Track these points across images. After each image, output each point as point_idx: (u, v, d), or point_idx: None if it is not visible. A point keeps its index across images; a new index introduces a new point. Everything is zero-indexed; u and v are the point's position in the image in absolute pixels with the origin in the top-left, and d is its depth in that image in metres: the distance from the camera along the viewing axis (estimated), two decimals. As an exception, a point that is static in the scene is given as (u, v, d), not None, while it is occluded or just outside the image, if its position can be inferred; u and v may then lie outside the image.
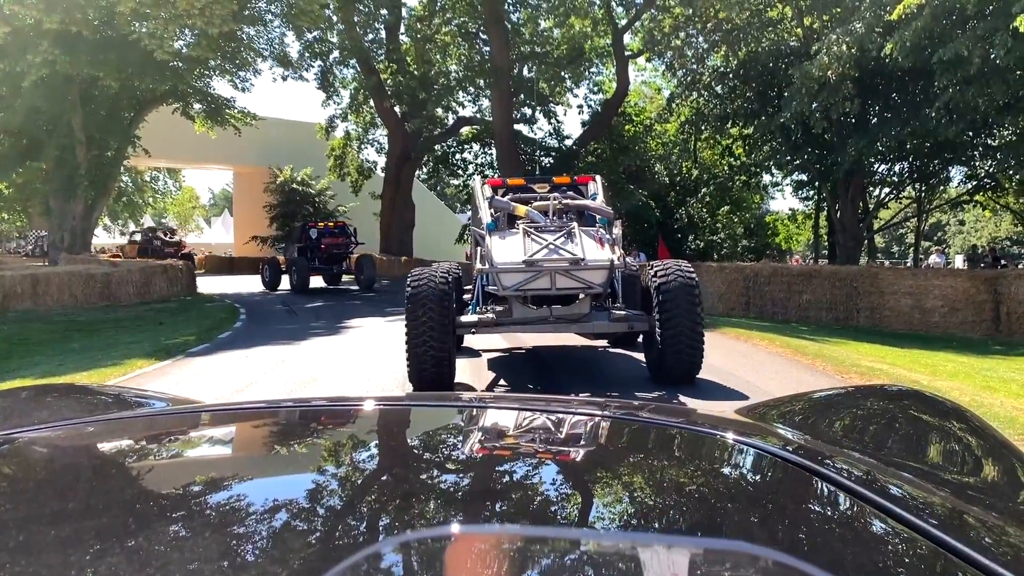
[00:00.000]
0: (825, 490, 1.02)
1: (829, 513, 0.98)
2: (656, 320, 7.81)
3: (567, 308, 8.02)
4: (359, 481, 1.07)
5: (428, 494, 0.97)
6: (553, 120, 33.05)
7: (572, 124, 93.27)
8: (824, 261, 30.80)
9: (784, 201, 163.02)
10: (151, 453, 1.25)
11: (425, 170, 39.03)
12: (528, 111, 32.27)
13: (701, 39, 25.43)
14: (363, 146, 38.52)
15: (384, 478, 1.10)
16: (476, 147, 36.04)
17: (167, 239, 38.56)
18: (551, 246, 7.72)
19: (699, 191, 31.65)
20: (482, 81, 30.75)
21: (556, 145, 32.51)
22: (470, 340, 9.72)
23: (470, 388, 8.15)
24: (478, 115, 35.05)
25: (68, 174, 24.85)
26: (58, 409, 1.78)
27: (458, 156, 36.78)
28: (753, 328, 14.51)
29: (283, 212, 43.73)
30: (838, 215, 24.78)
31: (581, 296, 8.01)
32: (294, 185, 43.72)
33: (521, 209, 8.41)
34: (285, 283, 26.23)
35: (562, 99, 33.85)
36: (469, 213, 15.00)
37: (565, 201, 8.75)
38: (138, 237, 38.38)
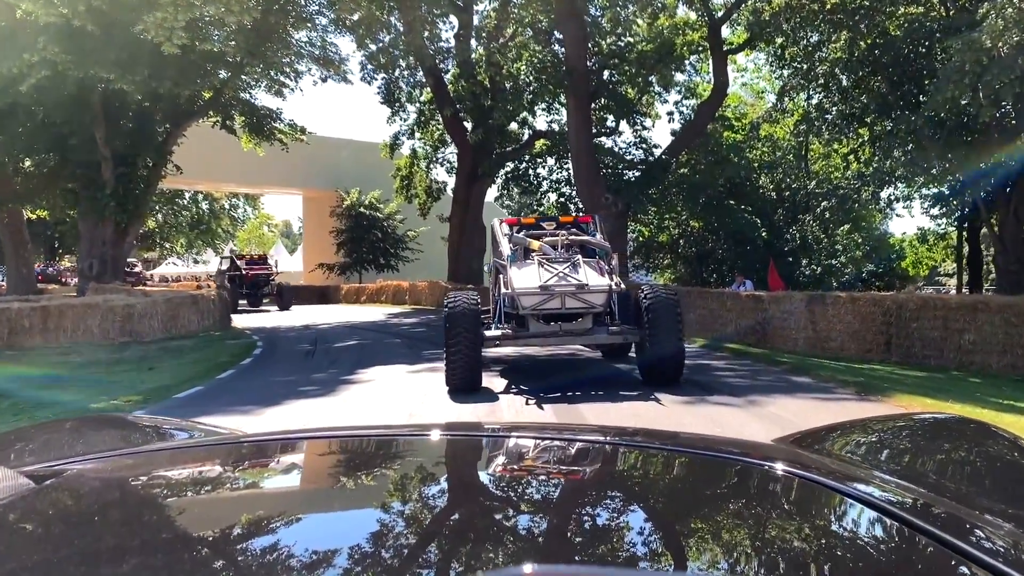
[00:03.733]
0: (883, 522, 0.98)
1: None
2: (645, 333, 9.36)
3: (574, 324, 9.65)
4: (407, 514, 1.04)
5: (493, 531, 0.96)
6: (638, 127, 28.77)
7: (660, 137, 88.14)
8: (966, 289, 25.65)
9: (909, 220, 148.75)
10: (195, 484, 1.25)
11: (496, 188, 35.33)
12: (610, 118, 28.24)
13: (815, 24, 21.01)
14: (432, 165, 35.35)
15: (437, 512, 1.09)
16: (551, 161, 32.25)
17: (128, 271, 40.25)
18: (561, 274, 9.42)
19: (814, 207, 26.81)
20: (560, 93, 26.95)
21: (642, 156, 28.26)
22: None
23: (490, 391, 9.47)
24: (554, 126, 31.36)
25: (94, 195, 22.38)
26: (100, 440, 1.77)
27: (531, 172, 33.04)
28: (913, 383, 10.31)
29: (351, 237, 41.19)
30: (996, 232, 19.87)
31: (584, 314, 9.58)
32: (361, 209, 41.06)
33: (535, 244, 10.22)
34: None
35: (649, 108, 29.79)
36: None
37: (571, 237, 10.69)
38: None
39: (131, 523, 1.01)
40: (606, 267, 10.06)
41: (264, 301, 32.45)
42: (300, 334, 20.19)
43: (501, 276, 10.27)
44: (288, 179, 42.82)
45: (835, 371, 11.37)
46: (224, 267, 33.32)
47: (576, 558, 0.85)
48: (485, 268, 11.57)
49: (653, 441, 1.49)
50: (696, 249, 30.05)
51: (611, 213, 23.89)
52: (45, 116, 21.23)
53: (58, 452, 1.55)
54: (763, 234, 25.64)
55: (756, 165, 27.42)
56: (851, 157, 22.96)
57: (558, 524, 1.00)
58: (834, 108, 21.12)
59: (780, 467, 1.17)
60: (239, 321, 23.64)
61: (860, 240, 28.49)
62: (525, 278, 9.48)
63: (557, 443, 1.44)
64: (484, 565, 0.81)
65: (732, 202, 25.44)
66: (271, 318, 26.40)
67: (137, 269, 41.17)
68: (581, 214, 17.55)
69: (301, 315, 27.10)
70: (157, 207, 50.69)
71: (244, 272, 31.73)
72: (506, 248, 10.45)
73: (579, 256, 9.97)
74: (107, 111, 21.38)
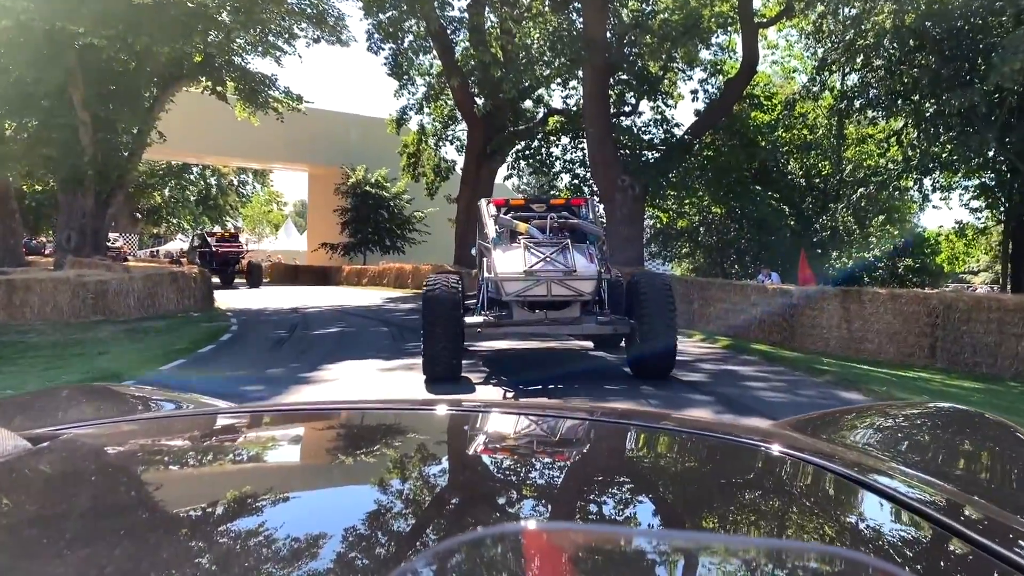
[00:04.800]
0: (874, 501, 0.97)
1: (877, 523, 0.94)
2: (635, 322, 9.11)
3: (561, 312, 9.26)
4: (399, 487, 1.04)
5: (485, 496, 0.98)
6: (659, 103, 26.79)
7: (682, 116, 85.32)
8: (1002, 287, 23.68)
9: (946, 212, 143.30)
10: (190, 452, 1.27)
11: (506, 168, 33.57)
12: (630, 95, 26.33)
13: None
14: (440, 143, 33.59)
15: (432, 484, 1.08)
16: (565, 140, 30.40)
17: (108, 245, 40.38)
18: (548, 259, 8.98)
19: (847, 195, 24.77)
20: (577, 68, 25.07)
21: (662, 136, 26.31)
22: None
23: (468, 382, 9.19)
24: (570, 102, 29.52)
25: (72, 162, 20.85)
26: (96, 408, 1.78)
27: (543, 151, 31.17)
28: (981, 402, 8.65)
29: (356, 217, 39.54)
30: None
31: (572, 302, 9.16)
32: (367, 187, 39.35)
33: (522, 226, 9.82)
34: None
35: (671, 88, 27.87)
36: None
37: (560, 220, 10.23)
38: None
39: (126, 485, 1.02)
40: (597, 253, 9.59)
41: (235, 279, 32.58)
42: (283, 318, 18.64)
43: (485, 259, 9.72)
44: (294, 155, 41.23)
45: (889, 384, 9.64)
46: (196, 244, 33.39)
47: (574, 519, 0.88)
48: (472, 251, 11.27)
49: (656, 422, 1.52)
50: (717, 237, 28.16)
51: (628, 196, 22.19)
52: (17, 75, 19.66)
53: (54, 418, 1.54)
54: (791, 223, 23.73)
55: (785, 148, 25.40)
56: (892, 140, 20.92)
57: (553, 495, 1.01)
58: (879, 84, 19.08)
59: (776, 448, 1.18)
60: (223, 301, 22.13)
61: (898, 233, 26.46)
62: (509, 262, 8.99)
63: (543, 420, 1.43)
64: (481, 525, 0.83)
65: (758, 187, 23.54)
66: (257, 298, 24.94)
67: (119, 244, 39.69)
68: (596, 197, 16.59)
69: (292, 296, 25.61)
70: (164, 182, 49.55)
71: (214, 249, 31.74)
72: (491, 230, 9.92)
73: (568, 240, 9.39)
74: (85, 71, 19.78)
